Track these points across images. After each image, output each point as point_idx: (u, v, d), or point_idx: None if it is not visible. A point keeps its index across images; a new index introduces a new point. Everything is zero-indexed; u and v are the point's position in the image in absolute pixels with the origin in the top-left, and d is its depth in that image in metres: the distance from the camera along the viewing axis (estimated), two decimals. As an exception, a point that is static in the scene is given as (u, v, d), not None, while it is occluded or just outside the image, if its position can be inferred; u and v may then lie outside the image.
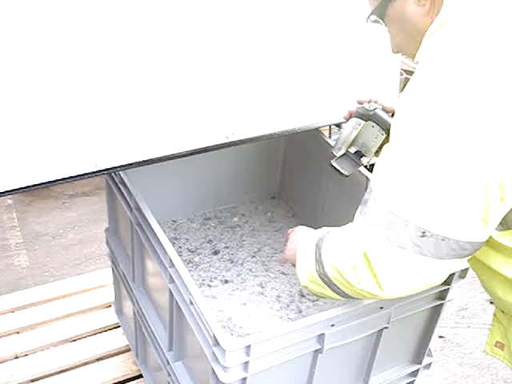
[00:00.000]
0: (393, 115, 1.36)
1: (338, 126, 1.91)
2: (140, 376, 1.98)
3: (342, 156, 1.44)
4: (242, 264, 1.87)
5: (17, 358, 2.06)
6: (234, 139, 1.56)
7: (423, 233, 0.96)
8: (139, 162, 1.46)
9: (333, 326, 1.25)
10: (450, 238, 0.96)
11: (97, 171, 1.41)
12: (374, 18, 1.14)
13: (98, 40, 1.32)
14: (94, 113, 1.36)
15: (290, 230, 1.37)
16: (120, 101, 1.39)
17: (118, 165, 1.44)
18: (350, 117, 1.42)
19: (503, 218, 1.03)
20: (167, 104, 1.45)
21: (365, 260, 1.02)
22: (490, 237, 1.06)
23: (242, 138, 1.57)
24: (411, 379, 1.60)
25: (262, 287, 1.77)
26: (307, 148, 1.96)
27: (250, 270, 1.85)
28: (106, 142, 1.40)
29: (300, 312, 1.67)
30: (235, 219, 2.07)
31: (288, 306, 1.69)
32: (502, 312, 1.22)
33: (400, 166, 0.98)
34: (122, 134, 1.42)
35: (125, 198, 1.61)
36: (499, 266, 1.09)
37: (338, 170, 1.45)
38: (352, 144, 1.41)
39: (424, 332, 1.52)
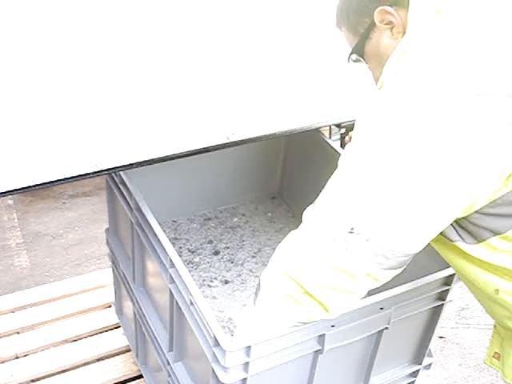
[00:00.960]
0: None
1: (338, 126, 1.91)
2: (140, 376, 1.98)
3: None
4: (242, 264, 1.87)
5: (17, 358, 2.06)
6: (234, 139, 1.56)
7: (352, 229, 0.98)
8: (139, 163, 1.46)
9: (333, 326, 1.25)
10: (374, 239, 0.97)
11: (97, 171, 1.41)
12: (354, 57, 1.18)
13: (99, 41, 1.32)
14: (95, 113, 1.37)
15: None
16: (120, 101, 1.39)
17: (119, 165, 1.44)
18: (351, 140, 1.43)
19: (472, 233, 1.03)
20: (167, 104, 1.45)
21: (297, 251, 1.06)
22: (464, 252, 1.05)
23: (242, 138, 1.57)
24: (411, 379, 1.60)
25: (263, 287, 1.77)
26: (307, 148, 1.96)
27: (251, 270, 1.85)
28: (106, 142, 1.40)
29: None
30: (235, 219, 2.07)
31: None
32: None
33: (345, 169, 1.02)
34: (123, 135, 1.42)
35: (125, 198, 1.61)
36: (478, 275, 1.08)
37: None
38: None
39: (424, 332, 1.52)
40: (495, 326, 1.25)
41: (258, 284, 1.15)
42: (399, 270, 1.03)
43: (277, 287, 1.09)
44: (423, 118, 0.93)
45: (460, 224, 1.03)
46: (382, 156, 0.96)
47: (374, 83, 1.19)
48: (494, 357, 1.24)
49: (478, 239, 1.03)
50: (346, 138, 1.50)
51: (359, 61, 1.18)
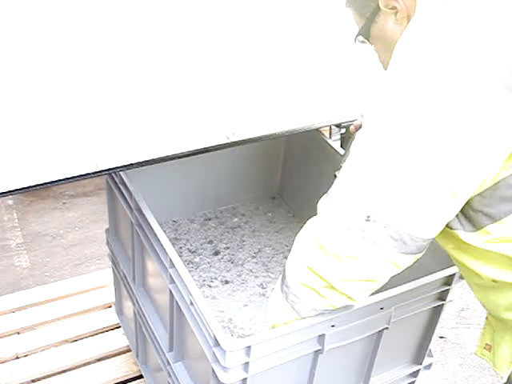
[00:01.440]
0: None
1: (338, 126, 1.92)
2: (140, 376, 1.98)
3: None
4: (242, 264, 1.87)
5: (17, 358, 2.06)
6: (234, 139, 1.56)
7: (368, 217, 0.98)
8: (140, 163, 1.46)
9: (333, 326, 1.25)
10: (392, 226, 0.98)
11: (97, 171, 1.41)
12: (361, 38, 1.19)
13: (99, 41, 1.32)
14: (95, 113, 1.37)
15: None
16: (121, 101, 1.39)
17: (119, 165, 1.44)
18: (357, 130, 1.44)
19: (471, 219, 1.03)
20: (168, 104, 1.45)
21: (314, 245, 1.05)
22: (463, 241, 1.06)
23: (242, 138, 1.57)
24: (412, 379, 1.60)
25: (263, 288, 1.77)
26: (307, 148, 1.96)
27: (251, 270, 1.85)
28: (106, 142, 1.40)
29: (300, 312, 1.67)
30: (235, 220, 2.07)
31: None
32: (490, 314, 1.22)
33: (356, 163, 1.02)
34: (123, 135, 1.42)
35: (125, 199, 1.61)
36: (475, 267, 1.09)
37: None
38: None
39: (424, 332, 1.52)
40: (487, 318, 1.25)
41: (284, 271, 1.16)
42: (419, 255, 1.04)
43: (299, 279, 1.10)
44: (434, 99, 0.93)
45: (461, 209, 1.03)
46: (394, 140, 0.96)
47: (381, 67, 1.21)
48: (485, 348, 1.25)
49: (477, 226, 1.04)
50: (351, 126, 1.49)
51: (365, 42, 1.20)
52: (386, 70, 1.20)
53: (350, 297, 1.08)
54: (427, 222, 0.99)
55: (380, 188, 0.97)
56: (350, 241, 1.00)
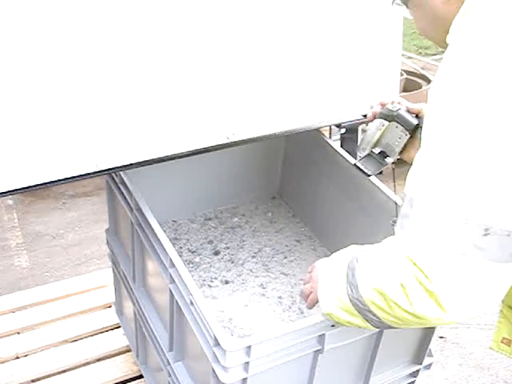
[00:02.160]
0: (416, 116, 1.36)
1: (338, 126, 1.92)
2: (140, 376, 1.98)
3: (366, 156, 1.44)
4: (242, 264, 1.87)
5: (17, 358, 2.06)
6: (234, 139, 1.56)
7: (486, 230, 0.85)
8: (140, 163, 1.46)
9: (333, 326, 1.25)
10: None
11: (97, 171, 1.41)
12: (398, 1, 1.13)
13: (99, 40, 1.32)
14: (95, 113, 1.36)
15: (310, 267, 1.27)
16: (120, 101, 1.39)
17: (119, 165, 1.44)
18: (374, 118, 1.42)
19: None
20: (167, 104, 1.45)
21: (416, 276, 0.88)
22: None
23: (242, 138, 1.57)
24: (412, 379, 1.60)
25: (263, 288, 1.77)
26: (307, 148, 1.96)
27: (251, 270, 1.85)
28: (106, 142, 1.40)
29: (302, 313, 1.67)
30: (236, 219, 2.07)
31: (290, 307, 1.69)
32: (510, 307, 1.20)
33: (447, 163, 0.88)
34: (123, 135, 1.42)
35: (125, 199, 1.61)
36: None
37: (362, 171, 1.45)
38: (376, 145, 1.42)
39: (424, 332, 1.52)
40: (502, 311, 1.23)
41: (354, 280, 1.02)
42: None
43: (389, 295, 0.94)
44: (498, 76, 0.85)
45: None
46: (477, 126, 0.85)
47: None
48: (502, 342, 1.22)
49: None
50: (369, 114, 1.45)
51: (401, 5, 1.14)
52: (420, 35, 1.16)
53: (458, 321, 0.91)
54: None
55: (494, 195, 0.85)
56: (470, 268, 0.85)
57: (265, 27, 1.52)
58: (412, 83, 4.33)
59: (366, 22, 1.68)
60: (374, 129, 1.40)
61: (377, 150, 1.42)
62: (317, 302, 1.19)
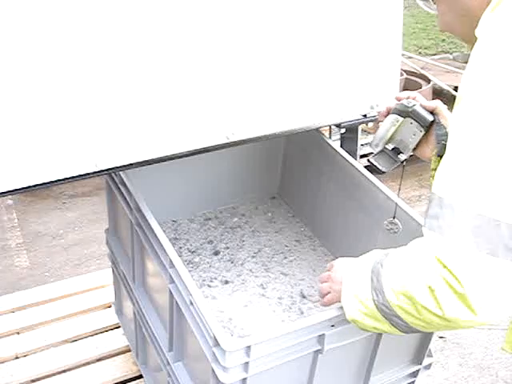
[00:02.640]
0: (431, 113, 1.33)
1: (338, 126, 1.91)
2: (140, 376, 1.98)
3: (379, 153, 1.41)
4: (242, 264, 1.87)
5: (17, 358, 2.06)
6: (234, 139, 1.56)
7: None
8: (139, 163, 1.46)
9: (333, 326, 1.25)
10: None
11: (97, 171, 1.41)
12: None
13: (99, 40, 1.31)
14: (94, 113, 1.36)
15: (329, 265, 1.26)
16: (120, 101, 1.39)
17: (118, 165, 1.44)
18: (388, 113, 1.38)
19: None
20: (167, 104, 1.45)
21: (445, 278, 0.86)
22: None
23: (242, 138, 1.57)
24: (411, 379, 1.60)
25: (263, 288, 1.77)
26: (307, 148, 1.96)
27: (251, 270, 1.85)
28: (106, 142, 1.40)
29: (302, 313, 1.67)
30: (235, 219, 2.07)
31: (290, 307, 1.69)
32: None
33: (478, 163, 0.87)
34: (122, 135, 1.42)
35: (125, 199, 1.61)
36: None
37: (375, 167, 1.42)
38: (389, 141, 1.39)
39: (424, 332, 1.52)
40: None
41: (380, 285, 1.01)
42: None
43: (418, 299, 0.92)
44: None
45: None
46: (510, 126, 0.84)
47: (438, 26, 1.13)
48: None
49: None
50: (383, 110, 1.40)
51: (426, 0, 1.13)
52: (443, 30, 1.14)
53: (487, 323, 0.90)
54: None
55: None
56: (498, 268, 0.84)
57: (265, 27, 1.52)
58: (412, 83, 4.33)
59: (365, 22, 1.67)
60: (388, 124, 1.37)
61: (390, 147, 1.39)
62: (334, 302, 1.18)
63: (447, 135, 1.27)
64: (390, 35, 1.74)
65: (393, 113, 1.37)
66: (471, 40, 1.01)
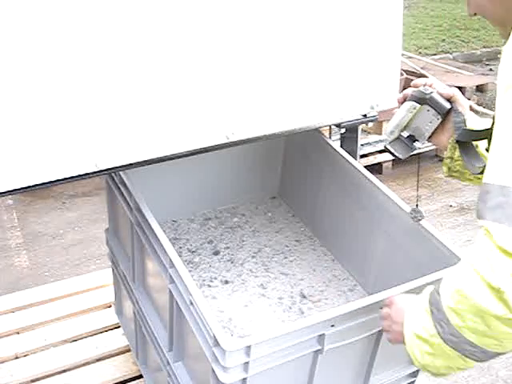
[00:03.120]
0: (449, 100, 1.31)
1: (338, 126, 1.91)
2: (140, 376, 1.98)
3: (395, 140, 1.39)
4: (242, 264, 1.87)
5: (17, 358, 2.06)
6: (234, 139, 1.56)
7: None
8: (139, 163, 1.46)
9: (333, 326, 1.25)
10: None
11: (97, 171, 1.41)
12: None
13: (99, 40, 1.31)
14: (94, 113, 1.36)
15: (388, 301, 1.19)
16: (120, 101, 1.39)
17: (118, 165, 1.44)
18: (404, 100, 1.35)
19: None
20: (167, 104, 1.45)
21: None
22: None
23: (242, 138, 1.57)
24: (411, 379, 1.60)
25: (264, 288, 1.77)
26: (307, 148, 1.96)
27: (251, 270, 1.85)
28: (106, 142, 1.40)
29: (302, 313, 1.67)
30: (235, 219, 2.07)
31: (290, 307, 1.69)
32: None
33: None
34: (122, 135, 1.42)
35: (125, 199, 1.61)
36: None
37: (392, 154, 1.39)
38: (405, 128, 1.36)
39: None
40: None
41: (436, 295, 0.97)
42: None
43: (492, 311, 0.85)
44: None
45: None
46: None
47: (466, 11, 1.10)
48: None
49: None
50: (399, 97, 1.36)
51: None
52: (472, 13, 1.10)
53: None
54: None
55: None
56: None
57: (265, 27, 1.52)
58: (412, 83, 4.32)
59: (365, 21, 1.67)
60: (405, 111, 1.34)
61: (405, 134, 1.37)
62: (399, 342, 1.10)
63: (465, 122, 1.25)
64: (389, 35, 1.74)
65: (409, 100, 1.34)
66: (504, 22, 0.98)
